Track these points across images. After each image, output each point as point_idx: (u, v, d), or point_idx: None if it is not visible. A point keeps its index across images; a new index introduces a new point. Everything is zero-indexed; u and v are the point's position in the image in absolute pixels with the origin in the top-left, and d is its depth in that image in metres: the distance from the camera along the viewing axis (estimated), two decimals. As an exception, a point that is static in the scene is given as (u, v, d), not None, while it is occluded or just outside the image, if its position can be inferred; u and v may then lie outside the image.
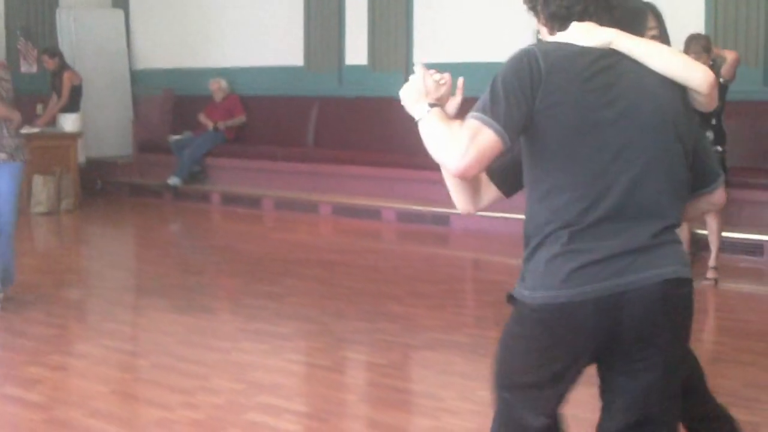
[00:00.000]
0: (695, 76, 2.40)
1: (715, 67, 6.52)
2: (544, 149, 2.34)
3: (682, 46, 6.85)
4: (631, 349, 2.37)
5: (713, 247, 6.73)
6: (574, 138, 2.31)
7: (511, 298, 2.43)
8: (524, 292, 2.37)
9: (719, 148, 6.58)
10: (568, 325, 2.33)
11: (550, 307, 2.31)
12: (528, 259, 2.39)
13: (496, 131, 2.26)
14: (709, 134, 6.52)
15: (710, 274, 6.70)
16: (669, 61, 2.41)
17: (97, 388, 4.66)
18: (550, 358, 2.39)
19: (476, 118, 2.28)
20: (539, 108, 2.29)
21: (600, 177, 2.30)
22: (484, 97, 2.32)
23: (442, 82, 2.48)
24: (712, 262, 6.74)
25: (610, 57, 2.36)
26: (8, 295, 6.16)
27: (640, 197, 2.32)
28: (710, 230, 6.73)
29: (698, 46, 6.48)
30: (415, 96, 2.44)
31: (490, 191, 2.68)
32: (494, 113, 2.27)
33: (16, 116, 6.16)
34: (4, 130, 6.09)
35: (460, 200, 2.66)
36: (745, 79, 7.15)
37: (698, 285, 6.51)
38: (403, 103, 2.47)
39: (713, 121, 6.55)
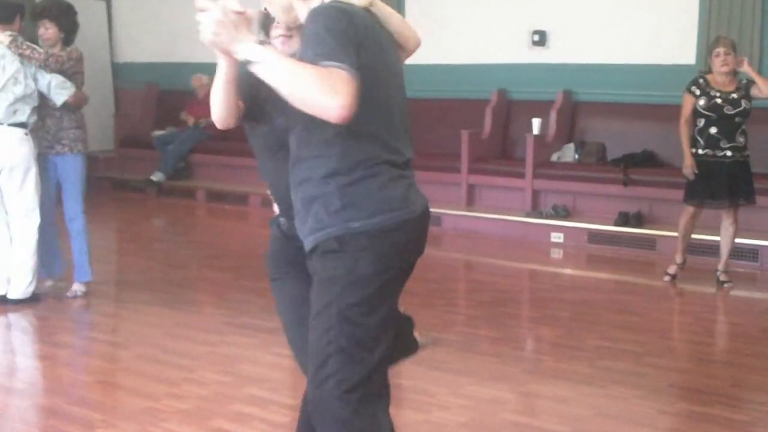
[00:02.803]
0: (410, 37, 2.79)
1: (746, 85, 6.56)
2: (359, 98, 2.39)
3: (677, 51, 6.87)
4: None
5: (726, 251, 6.75)
6: (375, 91, 2.49)
7: (338, 242, 2.50)
8: (356, 224, 2.49)
9: (747, 152, 6.61)
10: (410, 237, 2.61)
11: (396, 225, 2.54)
12: (347, 191, 2.49)
13: (355, 76, 2.30)
14: (742, 140, 6.54)
15: (724, 277, 6.75)
16: (400, 24, 2.74)
17: (81, 377, 4.63)
18: (399, 281, 2.62)
19: (336, 66, 2.29)
20: (359, 63, 2.38)
21: (392, 124, 2.59)
22: (322, 47, 2.34)
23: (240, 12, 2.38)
24: (723, 266, 6.77)
25: (373, 17, 2.62)
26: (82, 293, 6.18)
27: (407, 139, 2.68)
28: (726, 235, 6.72)
29: (728, 44, 6.57)
30: (229, 35, 2.33)
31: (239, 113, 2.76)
32: (347, 58, 2.32)
33: (84, 99, 6.19)
34: (65, 122, 6.03)
35: (222, 116, 2.71)
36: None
37: (717, 290, 6.70)
38: (212, 44, 2.35)
39: (744, 127, 6.55)
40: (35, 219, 5.90)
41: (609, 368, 4.87)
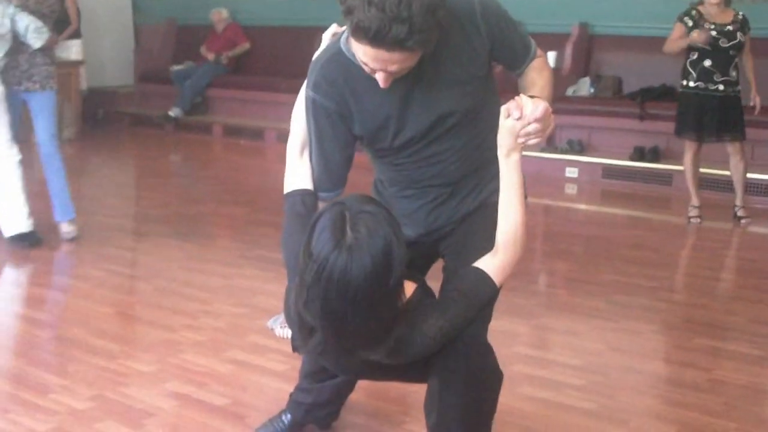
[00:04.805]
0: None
1: (745, 23, 6.50)
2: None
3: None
4: None
5: (739, 187, 6.74)
6: None
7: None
8: None
9: (739, 88, 6.55)
10: None
11: None
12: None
13: None
14: (734, 74, 6.49)
15: (741, 213, 6.76)
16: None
17: (100, 309, 4.66)
18: None
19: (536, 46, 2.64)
20: None
21: None
22: (523, 29, 2.59)
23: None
24: (740, 202, 6.77)
25: None
26: (76, 232, 6.08)
27: None
28: (737, 172, 6.70)
29: None
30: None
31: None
32: None
33: (54, 42, 6.13)
34: (38, 58, 5.90)
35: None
36: (764, 17, 7.08)
37: (734, 226, 6.73)
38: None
39: (737, 60, 6.51)
40: (14, 156, 5.80)
41: (623, 303, 4.88)
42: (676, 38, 6.53)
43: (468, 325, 2.33)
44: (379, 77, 2.28)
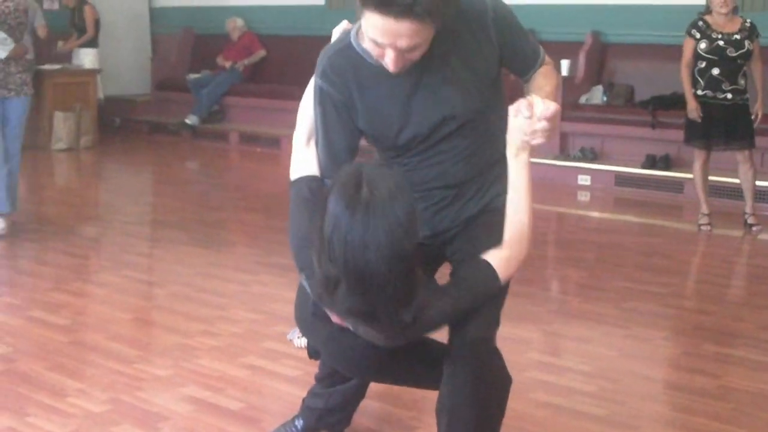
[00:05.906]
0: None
1: (753, 30, 6.51)
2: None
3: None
4: None
5: (749, 195, 6.74)
6: None
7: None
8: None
9: (747, 96, 6.58)
10: None
11: None
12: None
13: None
14: (743, 82, 6.52)
15: (752, 221, 6.75)
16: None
17: (118, 314, 4.72)
18: None
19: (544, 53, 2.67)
20: None
21: None
22: (532, 37, 2.65)
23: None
24: (750, 209, 6.76)
25: None
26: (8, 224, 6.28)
27: None
28: (746, 180, 6.71)
29: None
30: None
31: None
32: None
33: (22, 51, 6.31)
34: (11, 67, 6.17)
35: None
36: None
37: (745, 233, 6.71)
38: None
39: (745, 69, 6.54)
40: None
41: (634, 309, 4.90)
42: (688, 59, 6.58)
43: (469, 308, 2.38)
44: (389, 58, 2.29)
